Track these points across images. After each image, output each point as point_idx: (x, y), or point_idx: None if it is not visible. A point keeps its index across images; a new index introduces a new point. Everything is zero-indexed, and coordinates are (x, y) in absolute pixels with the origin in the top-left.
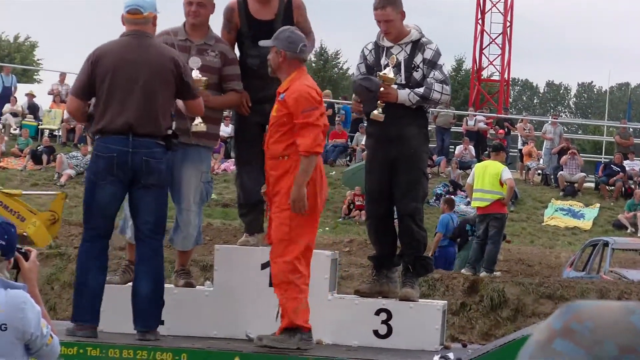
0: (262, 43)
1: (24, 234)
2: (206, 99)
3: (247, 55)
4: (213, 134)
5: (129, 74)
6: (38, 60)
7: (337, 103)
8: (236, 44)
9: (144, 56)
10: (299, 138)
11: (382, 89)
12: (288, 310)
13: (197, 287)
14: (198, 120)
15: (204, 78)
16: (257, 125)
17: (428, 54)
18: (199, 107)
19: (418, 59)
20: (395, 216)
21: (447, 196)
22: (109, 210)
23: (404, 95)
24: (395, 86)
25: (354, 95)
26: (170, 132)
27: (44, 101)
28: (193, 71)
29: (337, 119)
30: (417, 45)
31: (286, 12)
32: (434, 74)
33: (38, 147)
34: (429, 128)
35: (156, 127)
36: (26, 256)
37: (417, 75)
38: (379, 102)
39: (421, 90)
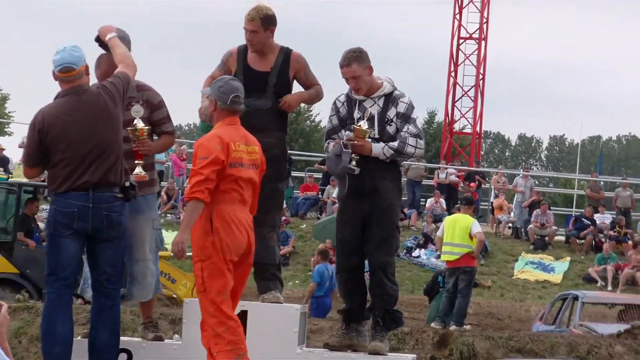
0: (204, 91)
1: (173, 295)
2: (149, 147)
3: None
4: (153, 179)
5: (80, 134)
6: (9, 112)
7: (308, 156)
8: None
9: (90, 112)
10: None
11: (355, 141)
12: None
13: (166, 340)
14: (138, 169)
15: (147, 127)
16: None
17: (401, 108)
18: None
19: (391, 112)
20: (366, 270)
21: (320, 247)
22: (74, 261)
23: (378, 148)
24: (369, 139)
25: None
26: (127, 183)
27: (14, 154)
28: (136, 120)
29: (306, 174)
30: (390, 99)
31: (282, 66)
32: (408, 128)
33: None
34: (401, 181)
35: (115, 180)
36: None
37: (390, 129)
38: (353, 155)
39: (395, 144)
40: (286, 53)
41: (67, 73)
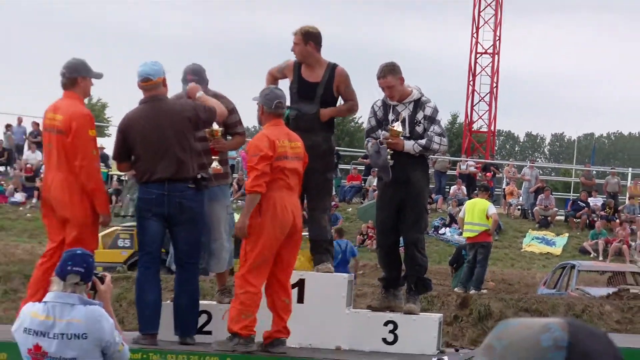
0: (253, 98)
1: None
2: (223, 145)
3: (290, 108)
4: (227, 172)
5: (154, 136)
6: (108, 117)
7: (353, 152)
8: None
9: (166, 117)
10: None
11: (390, 140)
12: (229, 317)
13: None
14: (215, 164)
15: (220, 129)
16: None
17: (428, 111)
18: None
19: (419, 115)
20: (401, 245)
21: (337, 226)
22: (157, 238)
23: (409, 145)
24: (402, 138)
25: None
26: (200, 175)
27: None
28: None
29: (351, 166)
30: (419, 104)
31: (329, 79)
32: (434, 128)
33: (108, 190)
34: (429, 172)
35: (186, 173)
36: (102, 280)
37: (419, 129)
38: (388, 150)
39: (423, 141)
40: (332, 68)
41: (145, 82)
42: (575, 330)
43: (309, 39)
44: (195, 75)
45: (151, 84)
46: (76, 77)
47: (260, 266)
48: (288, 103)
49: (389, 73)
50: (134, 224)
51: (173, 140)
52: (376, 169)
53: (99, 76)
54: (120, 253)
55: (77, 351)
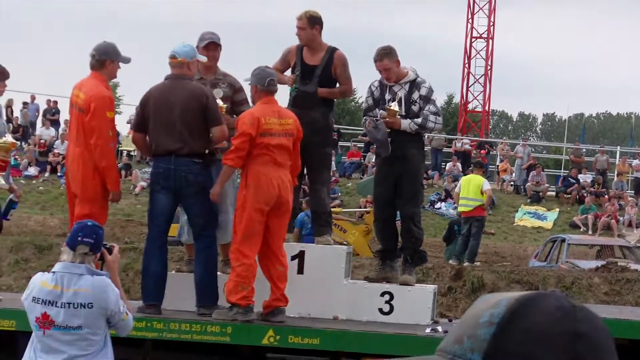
0: (245, 79)
1: (344, 242)
2: (227, 121)
3: (292, 88)
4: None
5: (167, 111)
6: (119, 96)
7: (353, 130)
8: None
9: (178, 95)
10: None
11: (387, 119)
12: (227, 290)
13: None
14: None
15: (225, 105)
16: None
17: (423, 91)
18: (222, 132)
19: (415, 95)
20: (398, 218)
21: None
22: (164, 211)
23: (406, 124)
24: (398, 117)
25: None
26: (207, 151)
27: (123, 128)
28: (218, 99)
29: (352, 143)
30: (414, 84)
31: (328, 62)
32: (429, 108)
33: (118, 165)
34: (425, 149)
35: (193, 149)
36: (110, 251)
37: (414, 108)
38: (387, 128)
39: (419, 120)
40: (332, 52)
41: (172, 59)
42: (522, 307)
43: (315, 23)
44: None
45: (175, 61)
46: (105, 59)
47: (250, 237)
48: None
49: (385, 56)
50: None
51: (179, 118)
52: (375, 145)
53: (126, 61)
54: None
55: (83, 320)
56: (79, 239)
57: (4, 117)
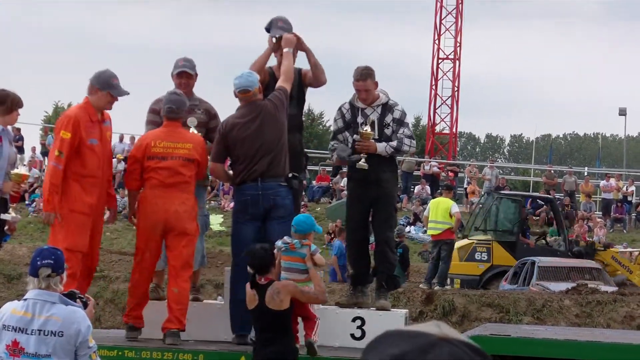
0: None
1: (627, 282)
2: None
3: None
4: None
5: (253, 139)
6: None
7: (321, 153)
8: None
9: (259, 118)
10: None
11: (362, 142)
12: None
13: (212, 301)
14: None
15: (200, 132)
16: None
17: (397, 114)
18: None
19: (388, 118)
20: (370, 242)
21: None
22: (248, 243)
23: (382, 147)
24: (372, 140)
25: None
26: (291, 175)
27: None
28: (190, 129)
29: (320, 167)
30: (387, 107)
31: (300, 82)
32: (404, 131)
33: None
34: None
35: (279, 171)
36: (85, 305)
37: (387, 131)
38: (362, 154)
39: (394, 143)
40: (299, 72)
41: (244, 94)
42: (383, 336)
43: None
44: (286, 24)
45: (248, 94)
46: (92, 85)
47: (141, 261)
48: None
49: (369, 77)
50: (489, 237)
51: (267, 140)
52: (345, 161)
53: (119, 94)
54: (477, 266)
55: (52, 348)
56: (38, 263)
57: (14, 148)
